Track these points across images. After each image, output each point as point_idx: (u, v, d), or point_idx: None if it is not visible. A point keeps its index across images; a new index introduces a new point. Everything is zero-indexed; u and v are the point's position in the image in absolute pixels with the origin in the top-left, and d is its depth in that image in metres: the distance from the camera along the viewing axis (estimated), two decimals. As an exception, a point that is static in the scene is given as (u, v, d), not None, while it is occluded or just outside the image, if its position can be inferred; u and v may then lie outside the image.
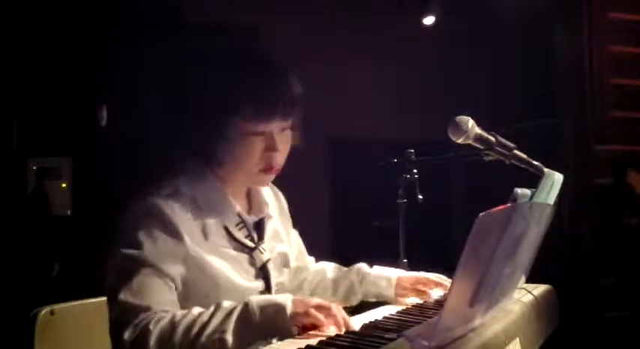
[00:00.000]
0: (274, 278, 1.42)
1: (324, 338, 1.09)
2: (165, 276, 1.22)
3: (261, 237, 1.43)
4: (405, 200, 1.86)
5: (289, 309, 1.15)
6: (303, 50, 4.43)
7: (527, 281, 1.49)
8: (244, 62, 1.35)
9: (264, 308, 1.15)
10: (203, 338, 1.12)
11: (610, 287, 3.56)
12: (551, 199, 1.47)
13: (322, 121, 4.73)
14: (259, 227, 1.44)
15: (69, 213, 3.84)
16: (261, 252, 1.40)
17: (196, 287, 1.27)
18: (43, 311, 1.45)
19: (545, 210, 1.34)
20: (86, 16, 3.88)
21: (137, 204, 1.28)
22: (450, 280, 1.62)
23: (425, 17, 4.78)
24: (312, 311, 1.15)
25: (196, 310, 1.18)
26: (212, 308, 1.17)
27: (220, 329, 1.12)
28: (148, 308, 1.17)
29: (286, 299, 1.17)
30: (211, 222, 1.32)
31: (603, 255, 3.63)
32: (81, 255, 3.63)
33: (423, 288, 1.60)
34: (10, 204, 3.74)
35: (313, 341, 1.06)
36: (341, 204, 5.12)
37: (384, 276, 1.61)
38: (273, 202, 1.55)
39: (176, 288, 1.25)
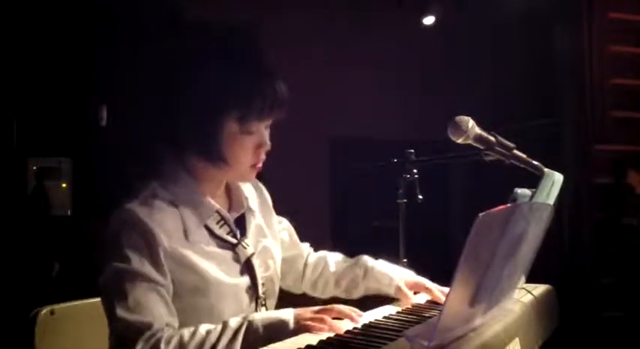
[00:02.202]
0: (259, 273, 1.42)
1: (324, 338, 1.10)
2: (159, 286, 1.23)
3: (243, 233, 1.43)
4: (405, 200, 1.86)
5: (292, 325, 1.18)
6: (303, 50, 4.44)
7: (527, 281, 1.48)
8: (235, 62, 1.36)
9: (267, 326, 1.17)
10: None
11: (610, 287, 3.56)
12: (551, 199, 1.47)
13: (322, 121, 4.75)
14: (241, 222, 1.45)
15: (69, 213, 3.84)
16: (245, 247, 1.40)
17: (185, 289, 1.28)
18: (43, 311, 1.45)
19: (545, 210, 1.34)
20: (86, 16, 3.88)
21: (117, 213, 1.29)
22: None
23: (425, 17, 4.79)
24: (312, 323, 1.18)
25: (204, 329, 1.19)
26: (219, 328, 1.18)
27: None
28: (149, 325, 1.17)
29: (288, 315, 1.19)
30: (191, 222, 1.33)
31: (603, 255, 3.63)
32: (81, 255, 3.63)
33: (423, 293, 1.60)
34: (10, 204, 3.74)
35: (313, 341, 1.07)
36: (341, 204, 5.13)
37: (387, 274, 1.61)
38: (254, 195, 1.55)
39: (168, 293, 1.26)
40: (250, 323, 1.18)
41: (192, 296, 1.27)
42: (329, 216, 5.08)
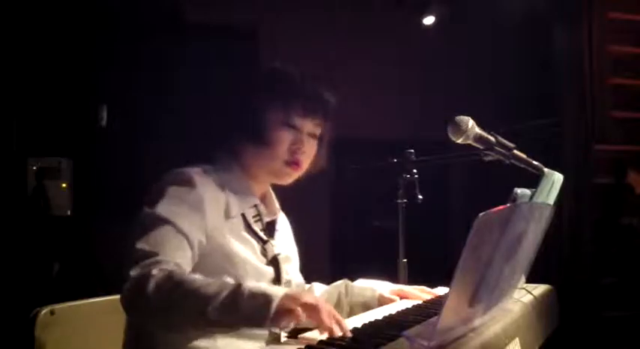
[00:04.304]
0: (284, 273, 1.46)
1: (324, 338, 1.09)
2: (183, 236, 1.27)
3: (272, 236, 1.49)
4: (405, 200, 1.86)
5: (275, 303, 1.12)
6: (303, 50, 4.44)
7: (527, 281, 1.49)
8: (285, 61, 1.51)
9: (253, 295, 1.13)
10: (189, 302, 1.14)
11: (610, 287, 3.56)
12: (551, 199, 1.47)
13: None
14: (270, 227, 1.51)
15: (69, 213, 3.84)
16: (273, 246, 1.46)
17: (210, 261, 1.32)
18: (43, 311, 1.45)
19: (545, 210, 1.34)
20: (86, 16, 3.88)
21: (173, 172, 1.37)
22: (433, 291, 1.65)
23: (425, 17, 4.78)
24: (299, 310, 1.11)
25: (196, 275, 1.20)
26: (209, 279, 1.18)
27: (205, 300, 1.13)
28: (155, 254, 1.22)
29: (277, 293, 1.14)
30: (233, 205, 1.39)
31: (603, 255, 3.63)
32: (81, 255, 3.64)
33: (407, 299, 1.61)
34: (10, 204, 3.74)
35: (313, 341, 1.07)
36: (341, 204, 5.12)
37: (368, 287, 1.65)
38: (285, 223, 1.63)
39: (193, 253, 1.29)
40: (239, 286, 1.14)
41: (219, 271, 1.29)
42: (329, 216, 5.08)
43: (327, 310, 1.13)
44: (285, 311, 1.11)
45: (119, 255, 1.28)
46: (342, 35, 4.79)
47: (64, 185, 3.83)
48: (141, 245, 1.23)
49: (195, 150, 1.51)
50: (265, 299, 1.12)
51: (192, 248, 1.29)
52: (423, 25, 4.80)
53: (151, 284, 1.15)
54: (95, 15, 3.88)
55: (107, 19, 3.87)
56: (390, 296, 1.60)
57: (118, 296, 1.24)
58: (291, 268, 1.54)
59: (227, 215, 1.37)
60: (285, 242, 1.57)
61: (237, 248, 1.36)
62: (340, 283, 1.68)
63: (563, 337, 1.79)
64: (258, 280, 1.33)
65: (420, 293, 1.62)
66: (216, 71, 3.53)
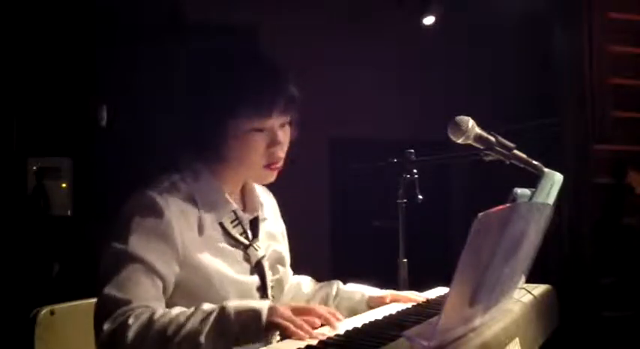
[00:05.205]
0: (269, 276, 1.42)
1: (324, 338, 1.09)
2: (153, 273, 1.22)
3: (255, 235, 1.43)
4: (405, 200, 1.86)
5: (264, 317, 1.13)
6: (303, 50, 4.44)
7: (527, 281, 1.49)
8: (243, 60, 1.37)
9: (239, 313, 1.14)
10: (178, 338, 1.12)
11: (610, 287, 3.55)
12: (551, 199, 1.47)
13: (322, 121, 4.74)
14: (253, 225, 1.45)
15: (69, 213, 3.84)
16: (256, 249, 1.40)
17: (188, 285, 1.28)
18: (43, 311, 1.45)
19: (545, 210, 1.34)
20: (86, 16, 3.88)
21: (134, 197, 1.29)
22: (423, 295, 1.63)
23: (425, 17, 4.78)
24: (285, 322, 1.12)
25: (176, 310, 1.18)
26: (191, 310, 1.17)
27: (195, 332, 1.12)
28: (128, 302, 1.17)
29: (262, 306, 1.15)
30: (207, 218, 1.33)
31: (603, 255, 3.62)
32: (81, 255, 3.63)
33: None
34: (10, 204, 3.74)
35: (313, 341, 1.07)
36: (341, 204, 5.12)
37: (358, 291, 1.61)
38: (270, 204, 1.56)
39: (165, 288, 1.25)
40: (223, 309, 1.15)
41: (199, 293, 1.27)
42: (329, 216, 5.08)
43: (321, 310, 1.16)
44: (273, 322, 1.13)
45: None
46: (342, 35, 4.79)
47: (64, 185, 3.83)
48: (111, 291, 1.18)
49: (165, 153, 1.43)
50: (252, 314, 1.13)
51: (165, 282, 1.24)
52: (423, 25, 4.80)
53: (130, 335, 1.12)
54: (95, 15, 3.88)
55: (107, 19, 3.86)
56: (380, 295, 1.58)
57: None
58: (283, 261, 1.51)
59: (201, 231, 1.31)
60: (273, 236, 1.51)
61: (216, 264, 1.30)
62: (329, 284, 1.64)
63: (563, 337, 1.79)
64: (242, 295, 1.30)
65: (411, 297, 1.58)
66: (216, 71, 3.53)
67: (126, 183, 1.39)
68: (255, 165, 1.36)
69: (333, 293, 1.61)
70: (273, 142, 1.35)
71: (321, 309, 1.19)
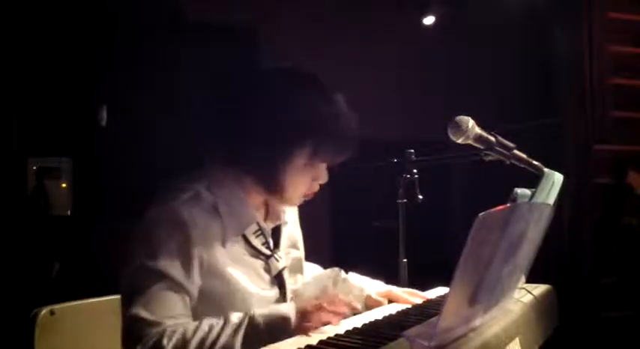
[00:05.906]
0: (289, 286, 1.43)
1: (324, 338, 1.10)
2: (181, 290, 1.22)
3: (277, 244, 1.44)
4: (405, 200, 1.85)
5: (293, 321, 1.19)
6: (303, 50, 4.43)
7: (527, 281, 1.48)
8: (322, 95, 1.34)
9: (269, 322, 1.18)
10: None
11: (610, 287, 3.56)
12: (551, 199, 1.47)
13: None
14: (275, 234, 1.45)
15: (69, 213, 3.84)
16: (277, 260, 1.40)
17: (212, 296, 1.28)
18: (43, 311, 1.45)
19: (545, 210, 1.34)
20: (86, 16, 3.88)
21: (156, 209, 1.25)
22: (423, 294, 1.64)
23: (425, 17, 4.78)
24: (315, 317, 1.19)
25: (206, 324, 1.18)
26: (221, 323, 1.18)
27: (229, 345, 1.15)
28: (157, 324, 1.17)
29: (289, 310, 1.20)
30: (230, 229, 1.31)
31: (603, 255, 3.63)
32: (81, 255, 3.63)
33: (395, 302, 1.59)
34: (10, 204, 3.73)
35: (313, 341, 1.07)
36: (341, 205, 5.12)
37: (357, 286, 1.61)
38: (291, 213, 1.58)
39: (191, 300, 1.25)
40: (252, 319, 1.18)
41: (221, 304, 1.27)
42: (329, 215, 5.07)
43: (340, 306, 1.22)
44: (303, 324, 1.18)
45: (119, 255, 1.27)
46: (342, 35, 4.79)
47: (64, 185, 3.82)
48: (140, 311, 1.17)
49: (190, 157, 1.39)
50: (280, 319, 1.19)
51: (192, 300, 1.25)
52: (423, 25, 4.80)
53: None
54: (95, 15, 3.87)
55: (107, 19, 3.86)
56: (377, 299, 1.57)
57: (117, 297, 1.24)
58: (302, 270, 1.52)
59: (224, 243, 1.29)
60: (293, 242, 1.53)
61: (238, 277, 1.30)
62: (332, 272, 1.64)
63: (563, 337, 1.78)
64: (262, 305, 1.30)
65: (409, 297, 1.58)
66: (216, 71, 3.53)
67: (126, 183, 1.39)
68: (297, 195, 1.38)
69: (331, 285, 1.61)
70: (318, 177, 1.38)
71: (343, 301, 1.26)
